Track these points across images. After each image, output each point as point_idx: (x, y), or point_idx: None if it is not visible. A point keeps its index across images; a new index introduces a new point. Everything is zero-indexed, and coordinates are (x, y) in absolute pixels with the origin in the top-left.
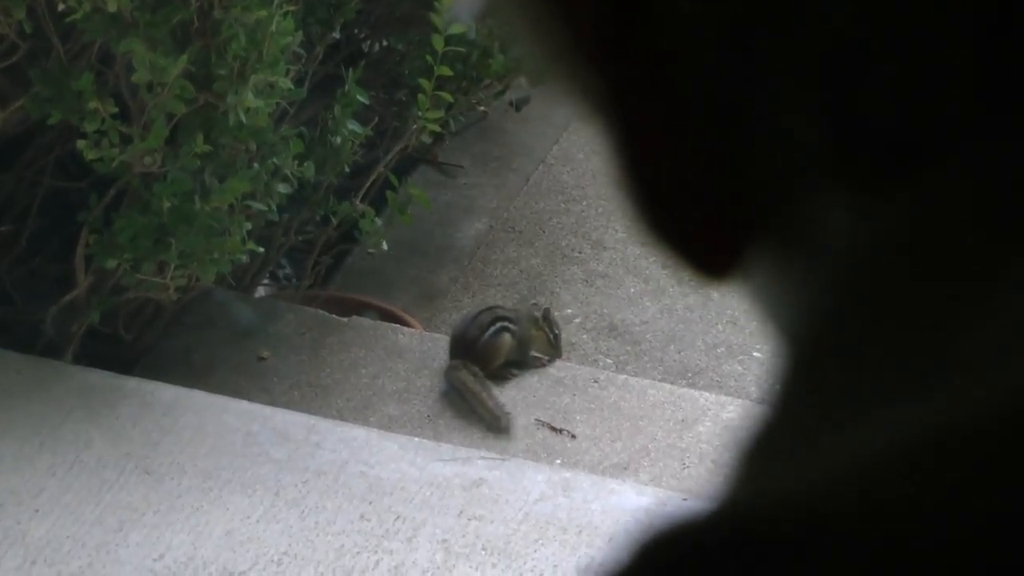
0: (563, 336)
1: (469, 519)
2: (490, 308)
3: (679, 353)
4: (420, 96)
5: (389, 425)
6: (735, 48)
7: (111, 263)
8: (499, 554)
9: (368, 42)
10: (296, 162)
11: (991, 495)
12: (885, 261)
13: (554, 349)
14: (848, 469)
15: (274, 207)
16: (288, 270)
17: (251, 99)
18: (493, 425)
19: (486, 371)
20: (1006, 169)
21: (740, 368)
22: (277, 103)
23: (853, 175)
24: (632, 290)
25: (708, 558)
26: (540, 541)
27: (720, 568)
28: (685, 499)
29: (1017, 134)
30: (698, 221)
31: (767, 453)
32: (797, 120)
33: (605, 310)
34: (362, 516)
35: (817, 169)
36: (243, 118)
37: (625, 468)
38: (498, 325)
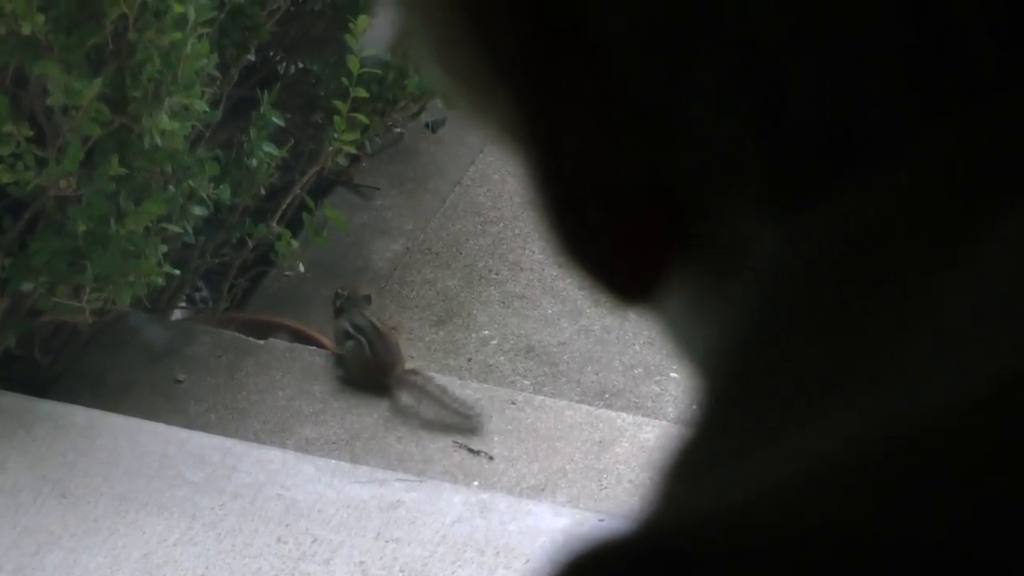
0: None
1: (386, 541)
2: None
3: (596, 374)
4: (336, 118)
5: (306, 447)
6: (659, 56)
7: (26, 286)
8: None
9: (283, 64)
10: (212, 184)
11: (914, 508)
12: (810, 278)
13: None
14: (774, 485)
15: (190, 229)
16: (204, 292)
17: (166, 121)
18: (466, 425)
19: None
20: (936, 177)
21: (657, 388)
22: (192, 125)
23: (780, 189)
24: (549, 311)
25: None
26: (457, 563)
27: None
28: (602, 519)
29: (945, 141)
30: (617, 242)
31: (689, 473)
32: (723, 132)
33: (522, 331)
34: (279, 539)
35: (744, 185)
36: (158, 140)
37: (542, 489)
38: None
